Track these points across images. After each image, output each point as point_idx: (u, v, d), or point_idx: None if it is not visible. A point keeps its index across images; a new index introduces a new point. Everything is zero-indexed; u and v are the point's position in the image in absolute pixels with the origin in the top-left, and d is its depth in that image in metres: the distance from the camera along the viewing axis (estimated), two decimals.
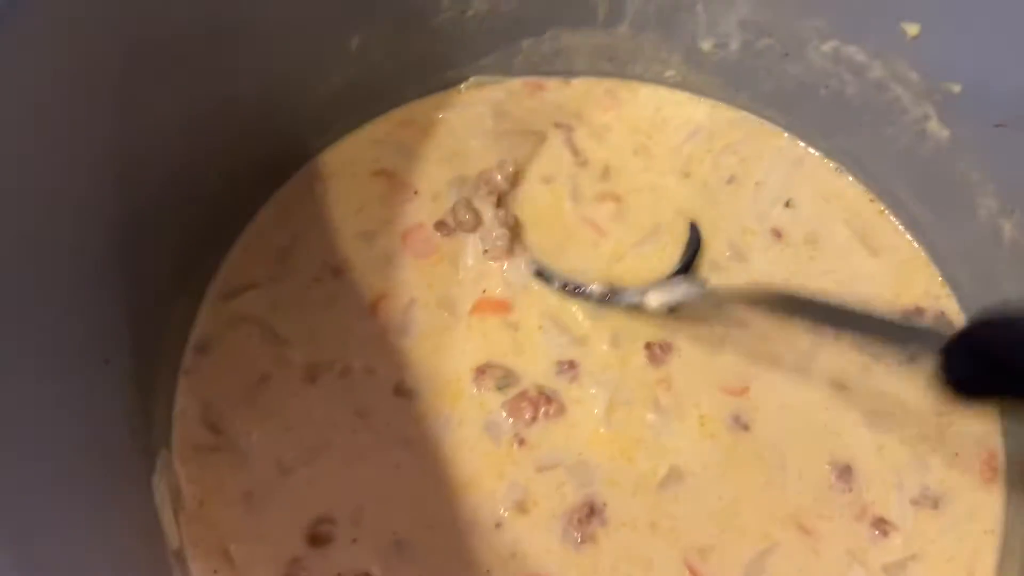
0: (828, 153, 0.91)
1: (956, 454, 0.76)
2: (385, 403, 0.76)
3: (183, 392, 0.76)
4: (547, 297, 0.81)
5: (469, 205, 0.84)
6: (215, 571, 0.69)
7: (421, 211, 0.85)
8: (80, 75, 0.57)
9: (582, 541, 0.71)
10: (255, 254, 0.83)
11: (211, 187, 0.77)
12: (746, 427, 0.76)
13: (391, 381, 0.77)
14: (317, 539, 0.71)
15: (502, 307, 0.81)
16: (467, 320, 0.80)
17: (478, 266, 0.82)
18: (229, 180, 0.79)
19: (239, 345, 0.78)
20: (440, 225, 0.84)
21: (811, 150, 0.91)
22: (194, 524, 0.70)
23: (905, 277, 0.84)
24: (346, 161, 0.88)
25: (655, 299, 0.77)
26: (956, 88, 0.77)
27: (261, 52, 0.76)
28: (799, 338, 0.78)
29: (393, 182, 0.87)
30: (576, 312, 0.80)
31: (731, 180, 0.88)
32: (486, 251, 0.82)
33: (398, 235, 0.83)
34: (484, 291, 0.81)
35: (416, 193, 0.86)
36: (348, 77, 0.85)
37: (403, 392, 0.77)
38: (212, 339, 0.78)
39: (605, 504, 0.72)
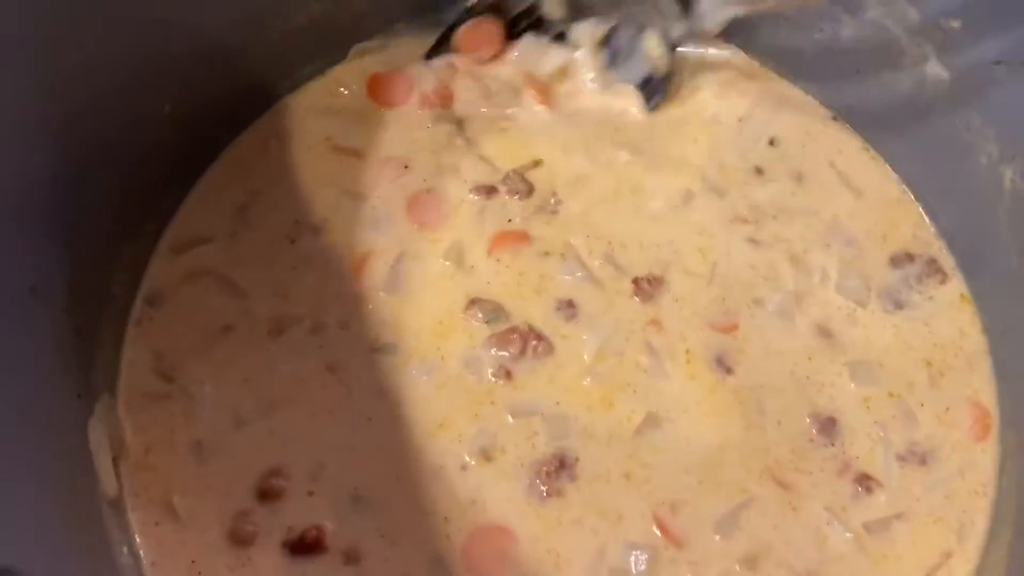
0: (820, 98, 0.86)
1: (947, 409, 0.72)
2: (360, 358, 0.73)
3: (132, 341, 0.73)
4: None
5: None
6: (156, 523, 0.66)
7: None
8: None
9: (547, 495, 0.68)
10: (211, 207, 0.79)
11: (163, 131, 0.74)
12: (729, 370, 0.72)
13: (367, 338, 0.74)
14: (267, 493, 0.68)
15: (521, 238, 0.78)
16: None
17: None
18: (182, 123, 0.75)
19: (195, 298, 0.75)
20: None
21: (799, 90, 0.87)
22: (138, 473, 0.67)
23: (892, 220, 0.80)
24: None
25: None
26: (956, 24, 0.72)
27: None
28: (785, 278, 0.75)
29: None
30: None
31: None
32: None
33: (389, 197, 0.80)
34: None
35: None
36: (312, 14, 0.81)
37: (380, 348, 0.73)
38: (166, 290, 0.75)
39: (577, 459, 0.69)
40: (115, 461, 0.66)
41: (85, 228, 0.65)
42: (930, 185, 0.81)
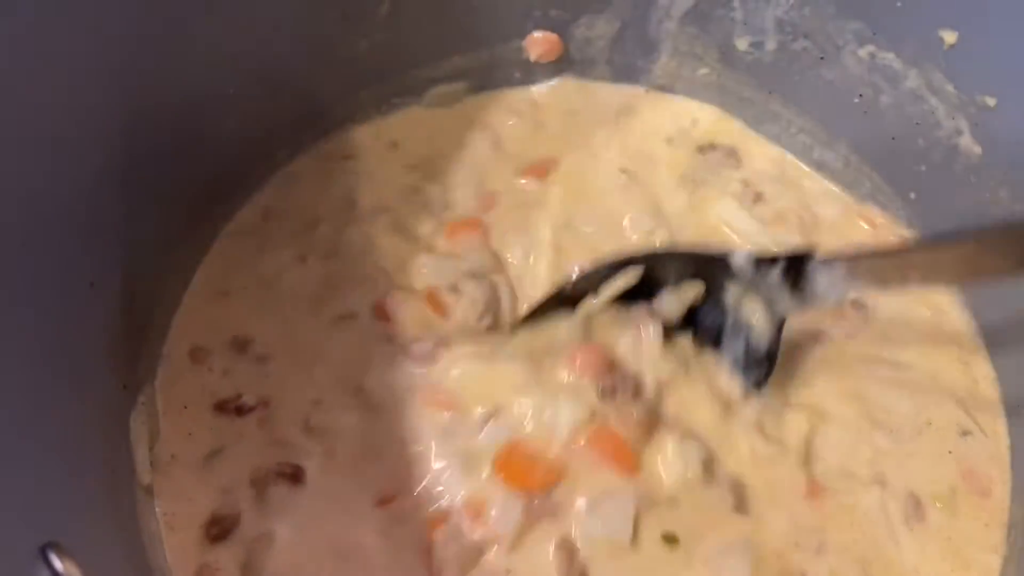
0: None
1: None
2: None
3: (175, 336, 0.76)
4: None
5: None
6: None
7: None
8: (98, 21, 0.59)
9: None
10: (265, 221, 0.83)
11: (223, 145, 0.78)
12: None
13: None
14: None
15: None
16: None
17: None
18: (243, 140, 0.79)
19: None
20: None
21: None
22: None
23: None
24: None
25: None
26: (991, 102, 0.74)
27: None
28: None
29: None
30: None
31: None
32: None
33: None
34: None
35: None
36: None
37: None
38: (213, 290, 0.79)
39: None
40: (151, 451, 0.69)
41: (142, 231, 0.68)
42: None
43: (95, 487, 0.57)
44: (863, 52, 0.82)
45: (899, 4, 0.77)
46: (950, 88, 0.77)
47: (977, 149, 0.77)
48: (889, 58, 0.80)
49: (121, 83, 0.63)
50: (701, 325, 0.75)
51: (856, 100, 0.85)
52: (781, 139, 0.92)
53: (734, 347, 0.74)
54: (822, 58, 0.85)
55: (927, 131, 0.80)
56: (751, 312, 0.73)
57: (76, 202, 0.59)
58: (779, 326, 0.72)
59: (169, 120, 0.70)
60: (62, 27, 0.56)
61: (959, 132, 0.78)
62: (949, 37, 0.74)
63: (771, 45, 0.87)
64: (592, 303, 0.74)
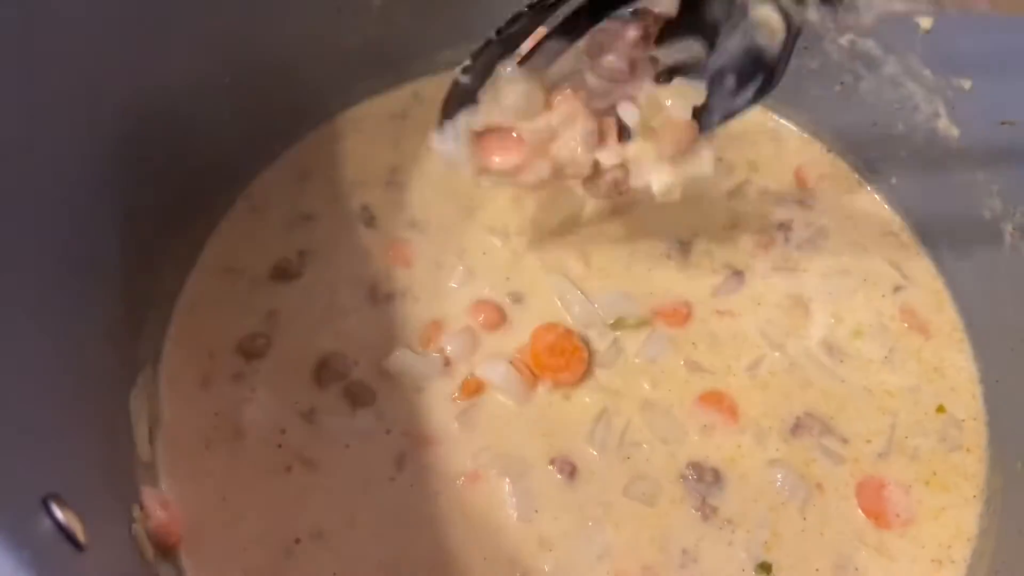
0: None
1: None
2: None
3: (178, 322, 0.78)
4: None
5: None
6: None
7: None
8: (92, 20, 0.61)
9: None
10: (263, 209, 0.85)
11: (222, 133, 0.79)
12: None
13: None
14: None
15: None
16: None
17: None
18: (241, 129, 0.81)
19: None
20: None
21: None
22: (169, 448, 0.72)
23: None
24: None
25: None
26: (967, 84, 0.76)
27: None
28: None
29: None
30: None
31: None
32: None
33: None
34: None
35: None
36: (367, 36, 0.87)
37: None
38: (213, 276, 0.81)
39: None
40: (151, 432, 0.71)
41: (143, 214, 0.70)
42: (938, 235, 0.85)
43: (96, 455, 0.59)
44: (843, 40, 0.84)
45: None
46: (927, 72, 0.79)
47: (955, 131, 0.79)
48: (869, 45, 0.82)
49: (114, 74, 0.65)
50: (698, 21, 0.66)
51: (838, 88, 0.87)
52: None
53: (728, 47, 0.65)
54: (805, 47, 0.87)
55: (906, 115, 0.82)
56: (764, 9, 0.63)
57: (75, 185, 0.61)
58: (793, 36, 0.64)
59: (163, 110, 0.71)
60: (52, 17, 0.58)
61: (937, 115, 0.80)
62: (924, 22, 0.76)
63: None
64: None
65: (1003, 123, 0.74)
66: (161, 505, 0.65)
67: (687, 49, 0.69)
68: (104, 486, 0.58)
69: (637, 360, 0.78)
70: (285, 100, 0.85)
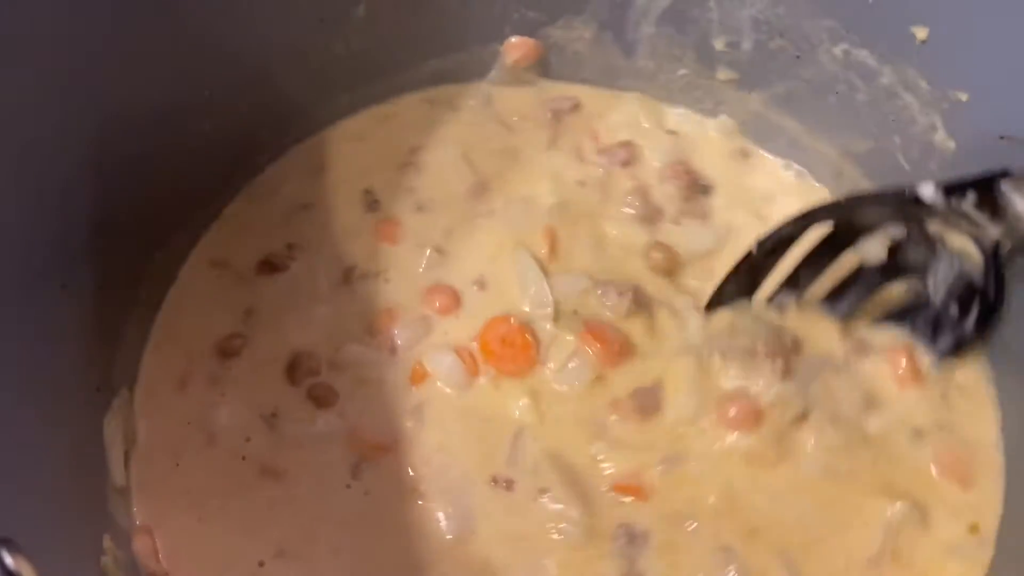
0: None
1: None
2: None
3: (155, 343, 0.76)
4: None
5: None
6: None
7: None
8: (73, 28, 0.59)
9: None
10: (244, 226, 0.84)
11: (201, 148, 0.78)
12: None
13: None
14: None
15: None
16: None
17: None
18: (221, 143, 0.80)
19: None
20: None
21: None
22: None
23: None
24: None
25: None
26: (964, 97, 0.75)
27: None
28: None
29: None
30: None
31: None
32: None
33: None
34: None
35: None
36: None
37: None
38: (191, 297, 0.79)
39: None
40: (126, 455, 0.69)
41: (117, 234, 0.69)
42: None
43: (61, 485, 0.57)
44: (838, 50, 0.82)
45: (870, 1, 0.77)
46: (923, 84, 0.77)
47: (951, 144, 0.77)
48: (863, 55, 0.80)
49: (93, 85, 0.64)
50: (906, 263, 0.74)
51: (833, 98, 0.85)
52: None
53: (945, 280, 0.72)
54: (798, 57, 0.85)
55: (903, 127, 0.80)
56: (959, 243, 0.70)
57: (47, 206, 0.60)
58: (994, 256, 0.68)
59: (143, 123, 0.70)
60: (32, 29, 0.57)
61: (934, 128, 0.78)
62: (920, 33, 0.74)
63: (747, 44, 0.87)
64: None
65: (1002, 138, 0.72)
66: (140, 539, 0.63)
67: (908, 289, 0.77)
68: (72, 519, 0.56)
69: None
70: (268, 113, 0.84)
